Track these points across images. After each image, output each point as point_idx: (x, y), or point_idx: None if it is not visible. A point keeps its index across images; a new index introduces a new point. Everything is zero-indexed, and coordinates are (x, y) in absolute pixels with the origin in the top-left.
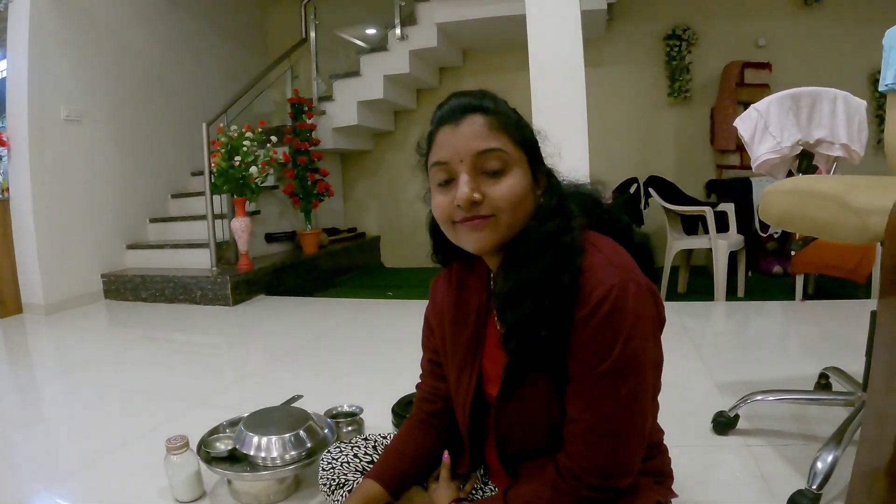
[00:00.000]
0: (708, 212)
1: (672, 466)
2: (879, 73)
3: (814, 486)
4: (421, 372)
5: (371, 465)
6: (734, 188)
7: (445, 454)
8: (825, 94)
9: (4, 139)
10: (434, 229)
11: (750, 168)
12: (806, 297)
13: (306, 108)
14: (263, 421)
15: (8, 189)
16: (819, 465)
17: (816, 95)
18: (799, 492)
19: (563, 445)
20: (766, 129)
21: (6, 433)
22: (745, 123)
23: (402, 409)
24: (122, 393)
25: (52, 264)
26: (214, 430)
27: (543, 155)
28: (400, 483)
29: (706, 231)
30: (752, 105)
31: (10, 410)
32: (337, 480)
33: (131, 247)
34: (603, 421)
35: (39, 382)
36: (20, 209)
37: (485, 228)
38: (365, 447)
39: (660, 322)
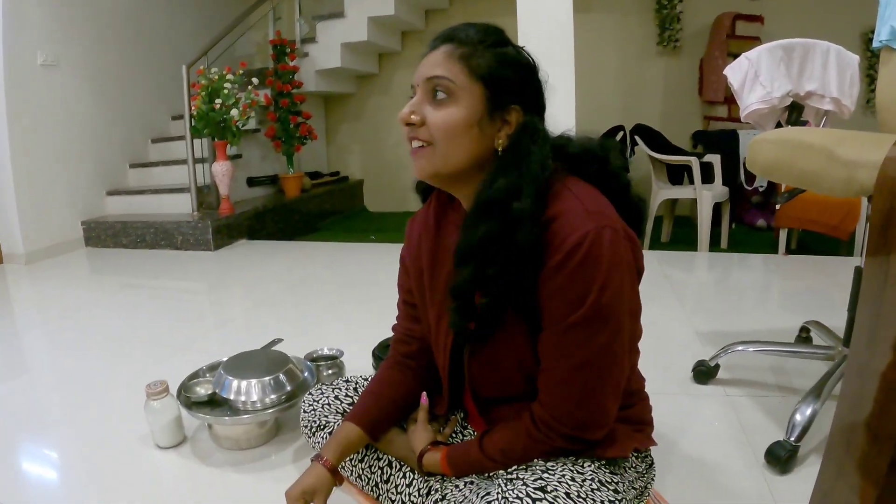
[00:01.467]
0: (694, 162)
1: (652, 414)
2: (872, 32)
3: (792, 438)
4: (397, 313)
5: (351, 407)
6: (721, 140)
7: (423, 396)
8: (818, 46)
9: None
10: None
11: (737, 120)
12: (789, 251)
13: (289, 50)
14: (243, 365)
15: None
16: (798, 417)
17: (809, 47)
18: (777, 443)
19: (537, 390)
20: (756, 78)
21: None
22: (735, 72)
23: (382, 352)
24: (103, 340)
25: (31, 213)
26: (194, 375)
27: (536, 101)
28: (378, 425)
29: (691, 181)
30: (743, 54)
31: None
32: (318, 422)
33: (111, 193)
34: (576, 371)
35: (21, 332)
36: None
37: (422, 155)
38: (346, 389)
39: (637, 270)
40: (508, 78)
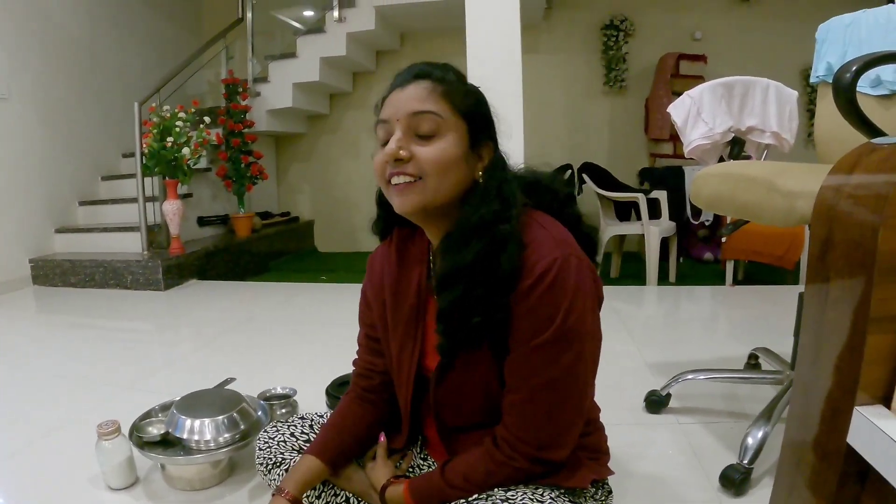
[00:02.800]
0: (640, 198)
1: (608, 444)
2: (811, 68)
3: (745, 461)
4: (357, 348)
5: (308, 444)
6: (666, 176)
7: (381, 435)
8: (757, 83)
9: None
10: (380, 197)
11: (682, 157)
12: (736, 282)
13: (241, 89)
14: (196, 404)
15: None
16: (749, 440)
17: (749, 84)
18: (731, 466)
19: (501, 416)
20: (698, 115)
21: None
22: (678, 109)
23: (335, 391)
24: (50, 380)
25: None
26: (146, 415)
27: (497, 137)
28: (339, 458)
29: (639, 217)
30: (685, 92)
31: None
32: (274, 459)
33: (60, 230)
34: (541, 390)
35: None
36: None
37: (410, 191)
38: (302, 426)
39: (598, 299)
40: (483, 115)
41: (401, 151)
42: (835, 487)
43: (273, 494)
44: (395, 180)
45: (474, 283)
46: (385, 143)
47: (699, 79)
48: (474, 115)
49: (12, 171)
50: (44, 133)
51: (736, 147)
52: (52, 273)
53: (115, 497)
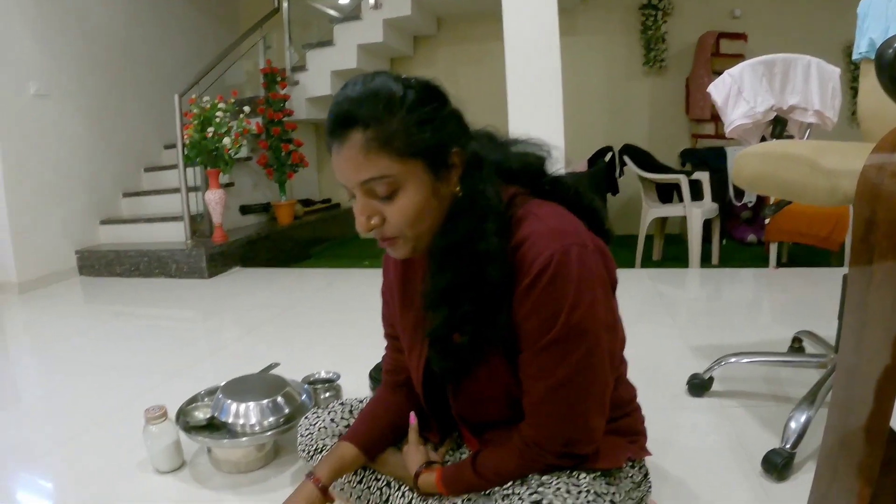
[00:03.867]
0: (682, 180)
1: (647, 426)
2: (853, 44)
3: (787, 446)
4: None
5: (348, 429)
6: (709, 157)
7: (412, 416)
8: (799, 60)
9: None
10: None
11: (724, 137)
12: (779, 265)
13: (279, 79)
14: (241, 388)
15: None
16: (793, 424)
17: (790, 62)
18: (773, 451)
19: (524, 415)
20: (739, 94)
21: None
22: (718, 89)
23: (379, 374)
24: (98, 369)
25: (25, 242)
26: (192, 399)
27: (465, 129)
28: (373, 444)
29: (681, 199)
30: (726, 71)
31: None
32: (315, 446)
33: (105, 222)
34: (556, 390)
35: (13, 362)
36: None
37: (395, 248)
38: (342, 412)
39: (611, 284)
40: (434, 133)
41: (371, 221)
42: (878, 473)
43: (305, 477)
44: (383, 242)
45: (458, 302)
46: (351, 196)
47: (739, 57)
48: (425, 146)
49: (57, 166)
50: (86, 128)
51: (778, 126)
52: (97, 263)
53: (162, 480)
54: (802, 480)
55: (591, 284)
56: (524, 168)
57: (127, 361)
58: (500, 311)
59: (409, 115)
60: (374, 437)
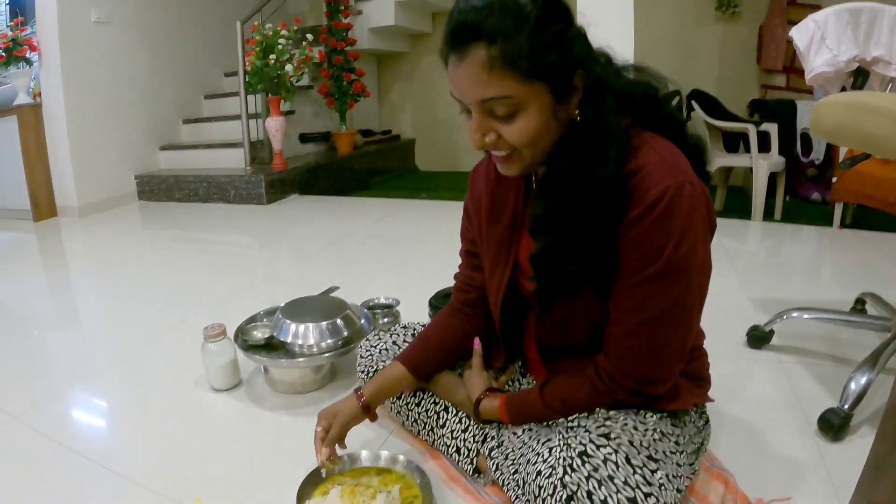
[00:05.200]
0: (751, 130)
1: (709, 371)
2: None
3: (846, 406)
4: (460, 261)
5: (401, 351)
6: (778, 109)
7: (476, 341)
8: (886, 11)
9: (35, 44)
10: None
11: (796, 90)
12: (843, 226)
13: (342, 7)
14: (301, 309)
15: (40, 94)
16: (852, 385)
17: (877, 11)
18: (830, 410)
19: (603, 346)
20: (822, 41)
21: (43, 334)
22: (801, 34)
23: (439, 302)
24: (156, 291)
25: (86, 167)
26: (252, 319)
27: (588, 51)
28: (424, 367)
29: (747, 150)
30: (809, 16)
31: (46, 312)
32: (375, 367)
33: (164, 148)
34: (646, 323)
35: (74, 283)
36: (53, 114)
37: (509, 162)
38: (404, 335)
39: (711, 228)
40: (560, 58)
41: (486, 139)
42: None
43: (354, 390)
44: (493, 152)
45: (567, 228)
46: (464, 111)
47: (816, 8)
48: (551, 69)
49: (117, 92)
50: (146, 55)
51: (860, 78)
52: (157, 188)
53: (218, 398)
54: (857, 444)
55: (696, 224)
56: (643, 98)
57: (185, 284)
58: (605, 243)
59: (537, 34)
60: (427, 358)
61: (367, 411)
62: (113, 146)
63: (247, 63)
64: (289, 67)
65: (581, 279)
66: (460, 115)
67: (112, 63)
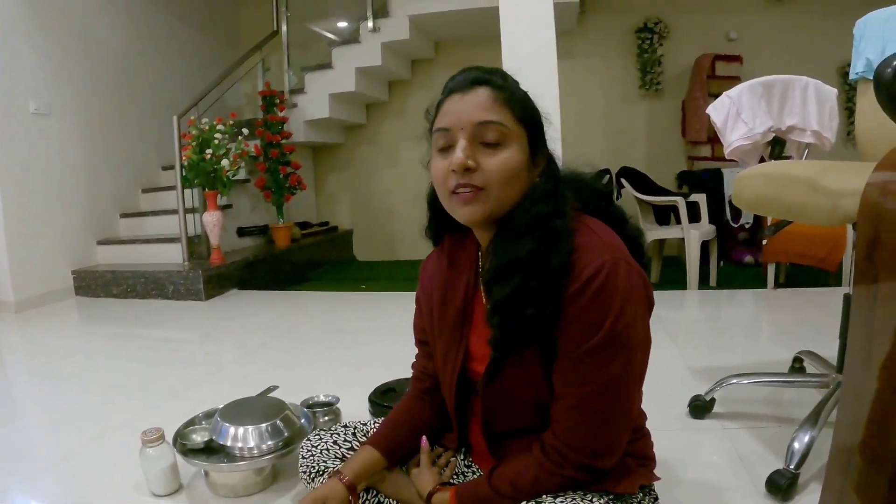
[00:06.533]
0: (680, 202)
1: (654, 450)
2: (849, 65)
3: (791, 466)
4: (410, 352)
5: (351, 452)
6: (706, 179)
7: (423, 440)
8: (796, 81)
9: None
10: (432, 201)
11: (721, 159)
12: (777, 285)
13: (278, 101)
14: (239, 411)
15: None
16: (796, 445)
17: (788, 83)
18: (777, 472)
19: (549, 423)
20: (738, 115)
21: None
22: (717, 110)
23: (378, 398)
24: (94, 389)
25: (22, 260)
26: (190, 422)
27: (546, 139)
28: (396, 449)
29: (678, 221)
30: (724, 93)
31: None
32: (317, 468)
33: (102, 242)
34: (590, 397)
35: (10, 380)
36: None
37: (475, 201)
38: (345, 434)
39: (649, 305)
40: (538, 121)
41: (469, 161)
42: (885, 492)
43: (329, 476)
44: (461, 190)
45: (529, 276)
46: (443, 149)
47: (735, 79)
48: (532, 122)
49: (55, 184)
50: (85, 147)
51: (777, 147)
52: (94, 284)
53: (158, 503)
54: (807, 502)
55: (633, 300)
56: (588, 188)
57: (123, 382)
58: (554, 297)
59: (525, 96)
60: (396, 442)
61: (353, 492)
62: (50, 239)
63: (183, 157)
64: (225, 162)
65: (537, 330)
66: (432, 160)
67: (50, 154)
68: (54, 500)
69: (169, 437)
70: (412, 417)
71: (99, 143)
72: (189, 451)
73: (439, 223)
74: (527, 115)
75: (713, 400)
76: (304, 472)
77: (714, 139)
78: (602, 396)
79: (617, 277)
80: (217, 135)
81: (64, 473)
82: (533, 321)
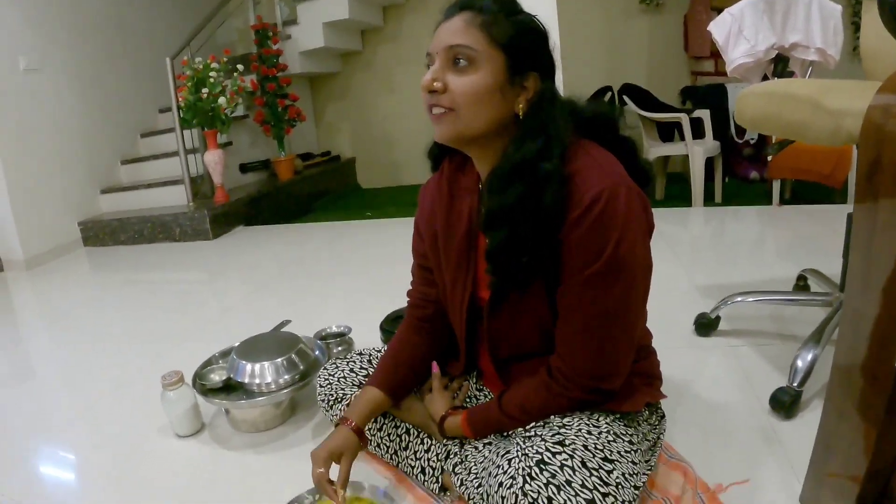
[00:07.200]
0: (683, 118)
1: (660, 369)
2: None
3: (794, 384)
4: (411, 279)
5: (367, 378)
6: (709, 94)
7: (434, 365)
8: None
9: None
10: None
11: (725, 74)
12: (783, 202)
13: (271, 34)
14: (254, 348)
15: None
16: (799, 363)
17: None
18: (780, 389)
19: (555, 347)
20: (740, 32)
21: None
22: (719, 27)
23: (389, 325)
24: (110, 337)
25: (28, 218)
26: (207, 363)
27: (546, 66)
28: (399, 387)
29: (682, 138)
30: (726, 9)
31: (1, 370)
32: (335, 395)
33: (105, 191)
34: (594, 321)
35: (26, 337)
36: None
37: (444, 121)
38: (360, 361)
39: (649, 229)
40: (526, 46)
41: (434, 83)
42: (883, 412)
43: (336, 424)
44: (433, 110)
45: (519, 223)
46: (428, 66)
47: None
48: (514, 45)
49: (53, 139)
50: (79, 99)
51: (780, 64)
52: (101, 233)
53: (183, 444)
54: (810, 419)
55: (634, 224)
56: (594, 118)
57: (139, 328)
58: (552, 237)
59: (514, 19)
60: (400, 380)
61: (361, 437)
62: (54, 194)
63: (180, 99)
64: (222, 100)
65: (534, 271)
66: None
67: (45, 109)
68: (81, 450)
69: (188, 379)
70: (412, 352)
71: (93, 92)
72: (208, 391)
73: (439, 147)
74: (507, 38)
75: (718, 318)
76: (323, 400)
77: (717, 54)
78: (605, 320)
79: (617, 203)
80: (212, 73)
81: (88, 424)
82: (527, 267)
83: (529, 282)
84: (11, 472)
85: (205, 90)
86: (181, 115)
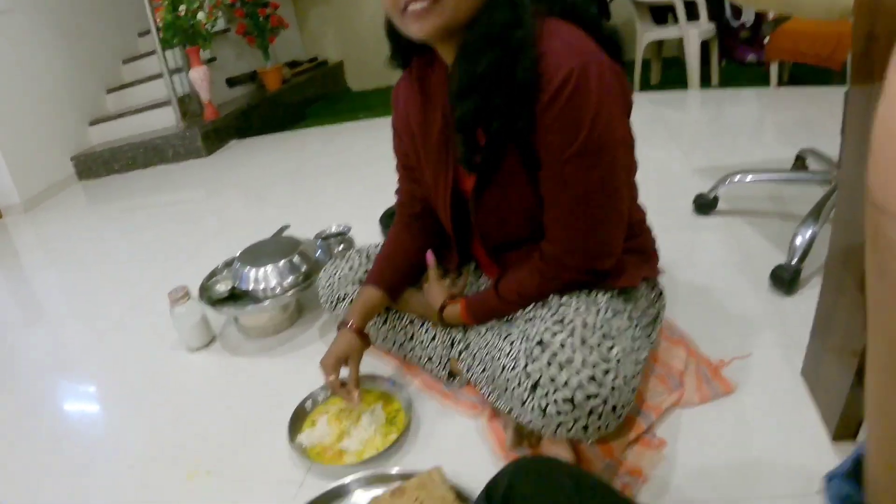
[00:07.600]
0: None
1: (657, 246)
2: None
3: (793, 261)
4: (397, 177)
5: (367, 274)
6: None
7: (429, 254)
8: None
9: None
10: (390, 29)
11: None
12: (781, 84)
13: None
14: (256, 255)
15: None
16: (798, 240)
17: None
18: (780, 266)
19: (544, 232)
20: None
21: (10, 336)
22: None
23: (389, 220)
24: (115, 266)
25: (19, 160)
26: (212, 274)
27: None
28: (395, 284)
29: (676, 20)
30: None
31: (10, 313)
32: (337, 295)
33: (94, 122)
34: (579, 202)
35: (33, 279)
36: None
37: (431, 12)
38: (359, 259)
39: (627, 105)
40: None
41: None
42: None
43: (338, 328)
44: (412, 7)
45: (491, 93)
46: None
47: None
48: None
49: (36, 77)
50: (56, 33)
51: None
52: (94, 165)
53: (196, 356)
54: (809, 294)
55: (609, 100)
56: None
57: (142, 252)
58: (523, 115)
59: None
60: (395, 277)
61: (363, 336)
62: (43, 133)
63: (158, 19)
64: (201, 15)
65: (505, 142)
66: None
67: (24, 49)
68: (99, 378)
69: (194, 293)
70: (405, 250)
71: (70, 25)
72: (215, 302)
73: (403, 49)
74: None
75: (716, 197)
76: (326, 301)
77: None
78: (590, 200)
79: (588, 81)
80: None
81: (103, 353)
82: (500, 135)
83: (501, 155)
84: (37, 412)
85: (182, 7)
86: (161, 36)
